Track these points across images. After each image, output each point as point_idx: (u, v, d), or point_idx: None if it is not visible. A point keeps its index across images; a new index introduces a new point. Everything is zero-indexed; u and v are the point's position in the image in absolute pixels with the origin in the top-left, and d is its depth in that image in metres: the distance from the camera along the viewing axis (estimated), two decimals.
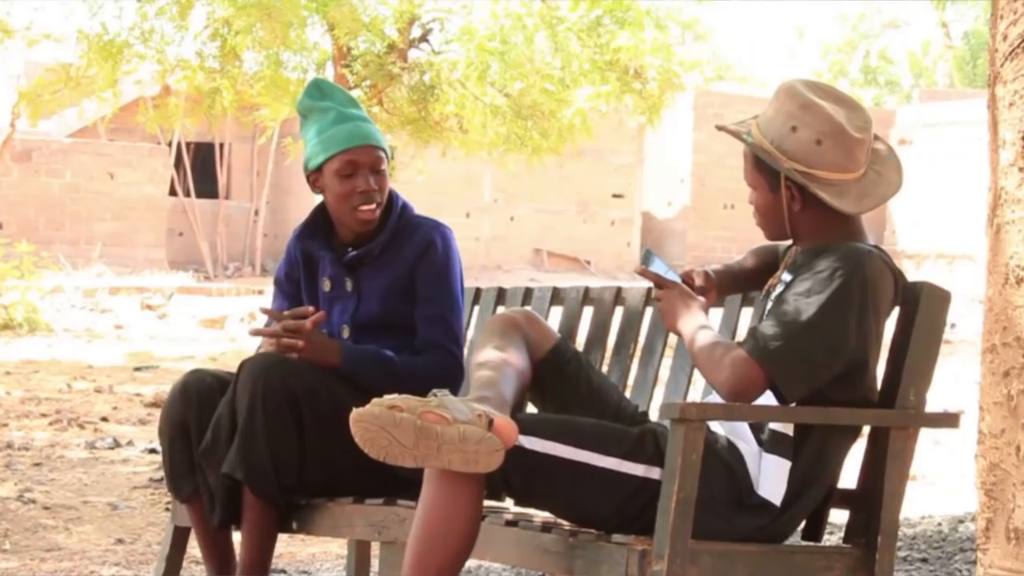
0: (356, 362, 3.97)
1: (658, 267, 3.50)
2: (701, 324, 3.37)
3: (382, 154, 4.09)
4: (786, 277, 3.39)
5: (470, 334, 4.51)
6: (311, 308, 4.01)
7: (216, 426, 3.88)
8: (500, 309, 4.44)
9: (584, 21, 15.95)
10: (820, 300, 3.20)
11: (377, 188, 4.06)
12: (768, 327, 3.23)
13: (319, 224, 4.18)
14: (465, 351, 4.19)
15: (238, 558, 3.95)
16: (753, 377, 3.19)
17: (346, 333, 4.11)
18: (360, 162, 4.04)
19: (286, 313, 4.01)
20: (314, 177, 4.10)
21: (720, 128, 3.53)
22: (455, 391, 4.02)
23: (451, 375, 4.03)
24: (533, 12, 15.92)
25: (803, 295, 3.23)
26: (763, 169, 3.39)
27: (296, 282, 4.21)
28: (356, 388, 3.89)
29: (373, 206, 4.05)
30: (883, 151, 3.44)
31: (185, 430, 3.97)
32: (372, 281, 4.09)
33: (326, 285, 4.15)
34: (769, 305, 3.39)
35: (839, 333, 3.21)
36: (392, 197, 4.14)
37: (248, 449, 3.79)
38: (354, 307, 4.11)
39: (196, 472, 3.96)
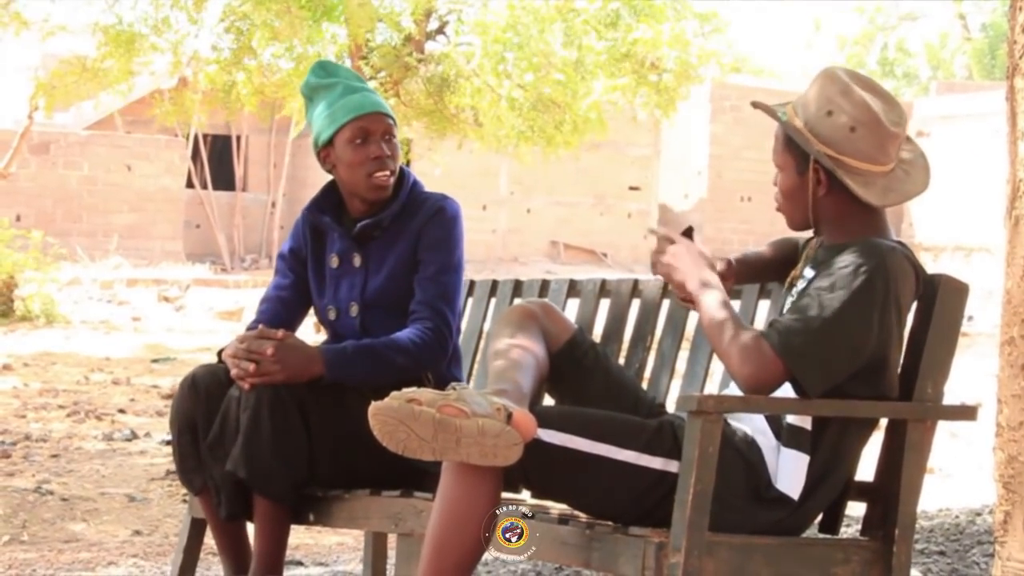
0: (339, 364, 3.90)
1: None
2: (705, 280, 3.34)
3: (392, 123, 4.08)
4: (808, 273, 3.38)
5: (486, 326, 4.51)
6: (279, 333, 3.91)
7: (223, 420, 3.86)
8: (517, 301, 4.44)
9: (601, 14, 15.93)
10: (843, 296, 3.19)
11: (390, 155, 4.05)
12: (791, 321, 3.22)
13: (329, 200, 4.16)
14: (465, 328, 4.17)
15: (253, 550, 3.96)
16: (773, 371, 3.18)
17: (354, 311, 4.07)
18: (372, 129, 4.03)
19: (251, 333, 3.91)
20: (325, 152, 4.08)
21: (756, 105, 3.50)
22: (443, 355, 4.01)
23: (437, 339, 3.98)
24: (549, 4, 15.90)
25: (826, 290, 3.22)
26: (793, 150, 3.37)
27: (302, 260, 4.19)
28: (360, 388, 3.89)
29: (387, 172, 4.03)
30: (915, 152, 3.43)
31: (193, 424, 3.96)
32: (380, 256, 4.07)
33: (334, 262, 4.13)
34: (791, 300, 3.38)
35: (861, 330, 3.20)
36: (404, 173, 4.13)
37: (252, 447, 3.77)
38: (362, 283, 4.08)
39: (204, 465, 3.96)
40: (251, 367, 3.81)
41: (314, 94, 4.12)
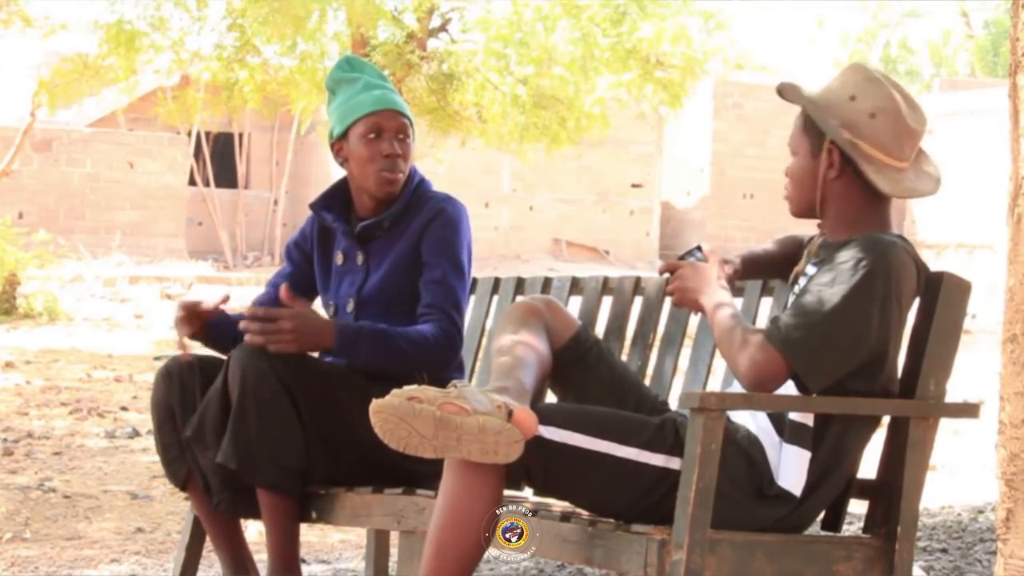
0: (349, 339, 3.87)
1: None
2: (720, 300, 3.37)
3: (408, 123, 4.07)
4: (810, 269, 3.39)
5: (489, 323, 4.51)
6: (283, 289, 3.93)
7: (204, 410, 3.84)
8: (519, 299, 4.43)
9: (607, 10, 15.92)
10: (844, 290, 3.20)
11: (401, 155, 4.04)
12: (791, 317, 3.22)
13: (337, 197, 4.17)
14: (467, 325, 4.16)
15: (258, 547, 3.95)
16: (775, 367, 3.18)
17: (350, 307, 4.06)
18: (386, 126, 4.02)
19: (259, 311, 3.89)
20: (339, 145, 4.08)
21: (781, 87, 3.48)
22: (453, 358, 4.00)
23: (449, 342, 3.96)
24: (553, 0, 15.88)
25: (827, 285, 3.22)
26: (809, 131, 3.38)
27: (305, 253, 4.20)
28: (350, 379, 3.87)
29: (397, 172, 4.03)
30: (931, 166, 3.45)
31: (171, 413, 3.95)
32: (382, 254, 4.06)
33: (339, 259, 4.13)
34: (793, 296, 3.39)
35: (862, 324, 3.20)
36: (411, 171, 4.13)
37: (240, 438, 3.74)
38: (362, 280, 4.07)
39: (186, 455, 3.95)
40: (260, 340, 3.79)
41: (336, 87, 4.12)
